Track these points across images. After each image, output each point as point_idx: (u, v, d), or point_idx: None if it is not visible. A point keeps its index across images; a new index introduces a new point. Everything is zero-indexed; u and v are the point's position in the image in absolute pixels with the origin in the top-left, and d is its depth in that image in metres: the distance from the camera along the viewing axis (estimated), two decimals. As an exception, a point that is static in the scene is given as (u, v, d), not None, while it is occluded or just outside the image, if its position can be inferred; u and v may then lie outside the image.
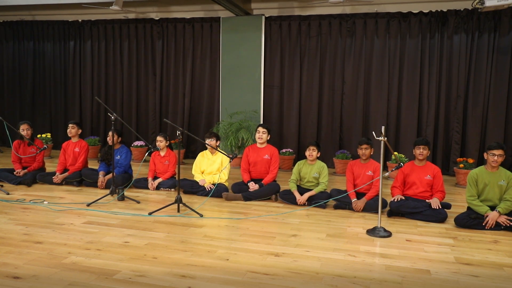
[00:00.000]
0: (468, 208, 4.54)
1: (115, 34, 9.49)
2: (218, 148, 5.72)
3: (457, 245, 3.86)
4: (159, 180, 5.96)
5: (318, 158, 5.42)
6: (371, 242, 3.88)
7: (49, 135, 9.04)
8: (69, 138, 6.31)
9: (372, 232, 4.10)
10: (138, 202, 5.18)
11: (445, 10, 7.67)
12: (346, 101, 8.29)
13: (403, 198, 4.80)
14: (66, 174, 6.10)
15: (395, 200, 4.76)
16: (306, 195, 5.19)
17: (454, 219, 4.46)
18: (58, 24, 9.78)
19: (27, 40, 10.05)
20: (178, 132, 4.76)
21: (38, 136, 8.78)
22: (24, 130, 6.14)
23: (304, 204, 5.17)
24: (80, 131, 6.33)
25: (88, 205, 4.98)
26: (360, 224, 4.48)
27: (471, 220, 4.36)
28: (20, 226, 4.10)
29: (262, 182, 5.57)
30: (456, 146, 7.79)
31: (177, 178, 4.94)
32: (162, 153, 6.10)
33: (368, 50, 8.12)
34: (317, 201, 5.13)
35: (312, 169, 5.36)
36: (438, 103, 7.87)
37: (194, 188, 5.71)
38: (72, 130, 6.22)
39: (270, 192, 5.52)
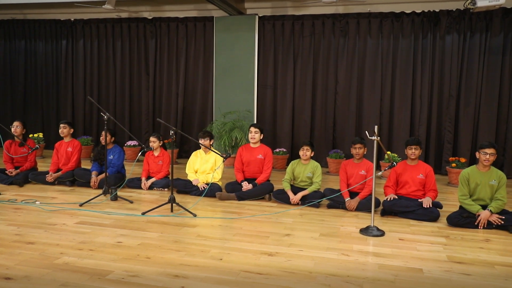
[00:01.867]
0: (460, 207, 4.57)
1: (107, 33, 9.44)
2: (211, 148, 5.71)
3: (449, 244, 3.88)
4: (152, 179, 5.94)
5: (311, 157, 5.43)
6: (364, 241, 3.89)
7: (41, 134, 8.97)
8: (62, 138, 6.27)
9: (365, 231, 4.12)
10: (131, 202, 5.16)
11: (437, 10, 7.72)
12: (339, 100, 8.31)
13: (396, 197, 4.82)
14: (59, 173, 6.06)
15: (388, 200, 4.78)
16: (300, 194, 5.20)
17: (446, 218, 4.49)
18: (50, 23, 9.71)
19: (19, 39, 9.97)
20: (171, 132, 4.74)
21: (30, 135, 8.71)
22: (14, 127, 6.09)
23: (297, 204, 5.18)
24: (72, 130, 6.28)
25: (81, 205, 4.95)
26: (353, 223, 4.49)
27: (463, 219, 4.39)
28: (12, 227, 4.07)
29: (255, 181, 5.57)
30: (448, 145, 7.85)
31: (170, 178, 4.92)
32: (156, 153, 6.08)
33: (361, 50, 8.15)
34: (311, 200, 5.14)
35: (305, 169, 5.37)
36: (430, 102, 7.92)
37: (188, 188, 5.69)
38: (64, 130, 6.17)
39: (264, 191, 5.52)
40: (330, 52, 8.29)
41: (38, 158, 7.96)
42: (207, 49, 8.86)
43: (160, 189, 5.92)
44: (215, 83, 8.68)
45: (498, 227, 4.31)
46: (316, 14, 8.24)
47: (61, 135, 6.21)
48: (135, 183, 6.02)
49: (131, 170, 6.76)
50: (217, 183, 5.72)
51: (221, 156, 5.24)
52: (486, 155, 4.37)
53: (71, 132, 6.26)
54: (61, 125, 6.20)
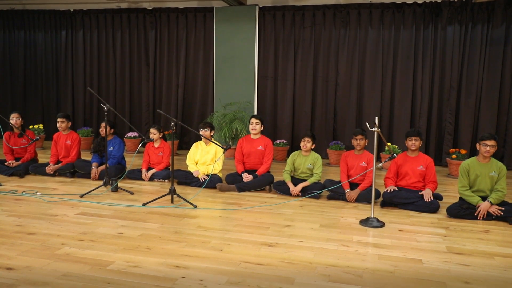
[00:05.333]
0: (460, 198, 4.58)
1: (107, 23, 9.39)
2: (212, 139, 5.71)
3: (449, 235, 3.90)
4: (153, 171, 5.94)
5: (312, 149, 5.43)
6: (364, 232, 3.90)
7: (41, 126, 8.97)
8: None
9: (365, 222, 4.13)
10: (132, 193, 5.17)
11: (439, 1, 7.67)
12: (340, 92, 8.29)
13: (396, 188, 4.83)
14: (59, 165, 6.06)
15: (388, 191, 4.79)
16: (300, 185, 5.21)
17: (446, 209, 4.50)
18: (49, 13, 9.66)
19: (18, 29, 9.92)
20: (171, 123, 4.74)
21: (30, 127, 8.71)
22: (13, 118, 6.07)
23: (298, 195, 5.19)
24: (70, 123, 6.23)
25: (82, 196, 4.96)
26: (353, 214, 4.50)
27: (463, 210, 4.40)
28: (13, 218, 4.08)
29: (256, 173, 5.58)
30: (448, 137, 7.84)
31: (171, 169, 4.93)
32: (156, 144, 6.08)
33: (362, 41, 8.11)
34: (311, 191, 5.15)
35: (306, 160, 5.37)
36: (431, 94, 7.90)
37: (188, 179, 5.70)
38: (62, 124, 6.08)
39: (264, 183, 5.53)
40: (331, 43, 8.26)
41: (38, 150, 7.98)
42: (207, 40, 8.82)
43: (161, 180, 5.92)
44: (215, 74, 8.65)
45: (498, 218, 4.33)
46: (317, 4, 8.18)
47: (59, 129, 6.15)
48: (136, 174, 6.03)
49: (132, 161, 6.76)
50: (218, 174, 5.72)
51: (222, 148, 5.23)
52: (487, 147, 4.36)
53: (69, 125, 6.21)
54: (59, 120, 6.10)
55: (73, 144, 6.14)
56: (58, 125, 6.12)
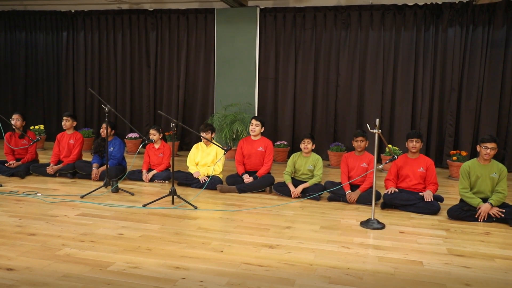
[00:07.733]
0: (461, 200, 4.57)
1: (108, 25, 9.40)
2: (213, 141, 5.71)
3: (450, 237, 3.89)
4: (153, 172, 5.94)
5: (312, 150, 5.43)
6: (364, 234, 3.90)
7: (42, 126, 8.98)
8: (63, 130, 6.27)
9: (365, 224, 4.13)
10: (132, 194, 5.17)
11: (440, 2, 7.67)
12: (341, 93, 8.29)
13: (397, 190, 4.83)
14: (60, 165, 6.07)
15: (389, 193, 4.79)
16: (300, 187, 5.20)
17: (446, 211, 4.49)
18: (50, 14, 9.67)
19: (19, 30, 9.93)
20: (172, 124, 4.74)
21: (31, 128, 8.71)
22: (14, 119, 6.08)
23: (298, 196, 5.19)
24: (75, 123, 6.28)
25: (82, 197, 4.96)
26: (353, 216, 4.50)
27: (463, 212, 4.40)
28: (13, 218, 4.09)
29: (256, 174, 5.58)
30: (449, 138, 7.84)
31: (171, 170, 4.93)
32: (157, 146, 6.08)
33: (363, 43, 8.11)
34: (311, 193, 5.15)
35: (306, 162, 5.37)
36: (432, 96, 7.90)
37: (189, 180, 5.70)
38: (66, 123, 6.16)
39: (265, 184, 5.53)
40: (331, 45, 8.26)
41: (39, 150, 7.98)
42: (208, 41, 8.83)
43: (161, 181, 5.92)
44: (216, 76, 8.65)
45: (498, 220, 4.32)
46: (318, 6, 8.19)
47: (64, 128, 6.21)
48: (136, 175, 6.03)
49: (132, 162, 6.76)
50: (218, 175, 5.72)
51: (222, 149, 5.24)
52: (487, 149, 4.36)
53: (74, 125, 6.26)
54: (64, 118, 6.19)
55: (76, 143, 6.16)
56: (63, 123, 6.18)
